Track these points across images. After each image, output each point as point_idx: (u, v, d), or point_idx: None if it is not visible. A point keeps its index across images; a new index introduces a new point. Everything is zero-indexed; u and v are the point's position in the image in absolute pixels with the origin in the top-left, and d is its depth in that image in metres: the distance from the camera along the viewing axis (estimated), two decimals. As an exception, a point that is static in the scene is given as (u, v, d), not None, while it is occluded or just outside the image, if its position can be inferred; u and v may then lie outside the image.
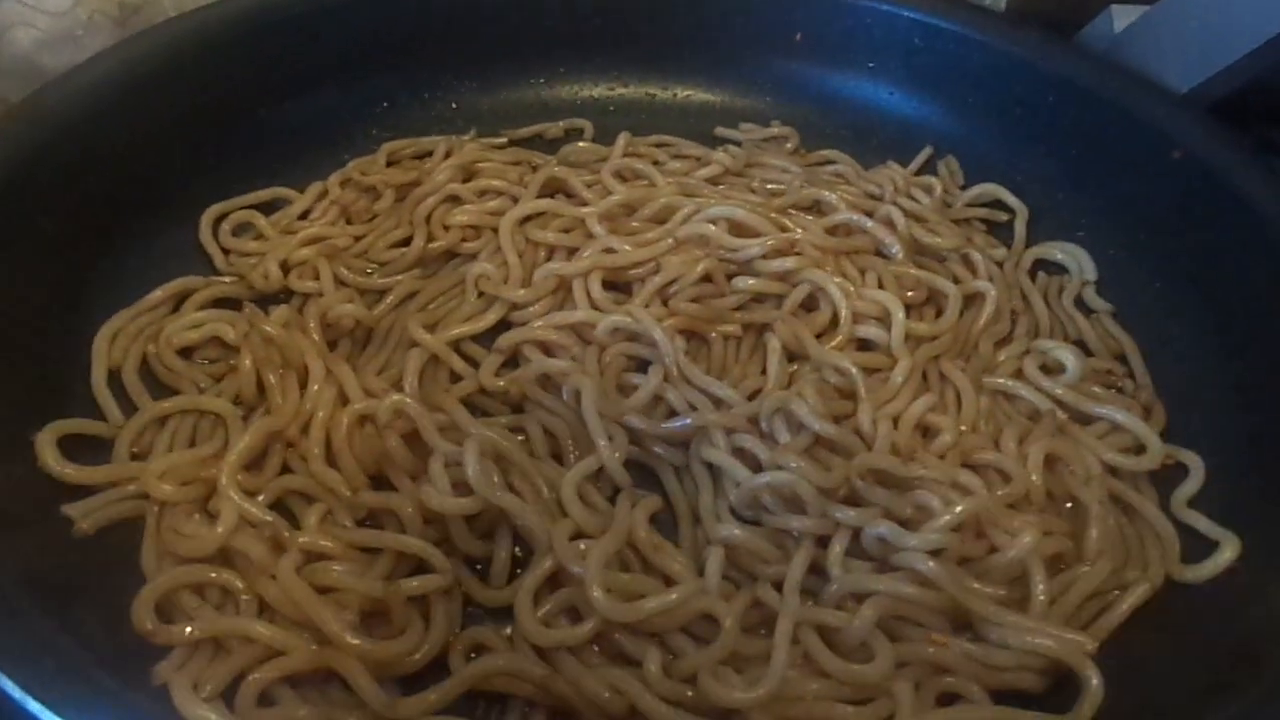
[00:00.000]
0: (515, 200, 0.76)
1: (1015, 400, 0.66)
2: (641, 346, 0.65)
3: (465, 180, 0.78)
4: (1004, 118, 0.82)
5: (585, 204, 0.75)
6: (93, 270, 0.66)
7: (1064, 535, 0.57)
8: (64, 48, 0.75)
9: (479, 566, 0.56)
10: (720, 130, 0.88)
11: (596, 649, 0.52)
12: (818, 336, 0.67)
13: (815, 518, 0.55)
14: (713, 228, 0.71)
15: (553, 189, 0.78)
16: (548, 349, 0.66)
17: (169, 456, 0.57)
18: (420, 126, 0.84)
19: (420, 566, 0.54)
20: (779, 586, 0.54)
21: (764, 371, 0.65)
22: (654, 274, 0.69)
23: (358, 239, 0.74)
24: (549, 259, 0.72)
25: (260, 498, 0.55)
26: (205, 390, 0.62)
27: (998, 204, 0.80)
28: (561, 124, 0.87)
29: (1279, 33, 0.67)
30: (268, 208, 0.76)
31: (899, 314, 0.67)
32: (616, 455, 0.59)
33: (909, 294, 0.69)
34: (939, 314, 0.70)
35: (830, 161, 0.84)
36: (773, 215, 0.72)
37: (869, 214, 0.75)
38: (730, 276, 0.70)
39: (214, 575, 0.52)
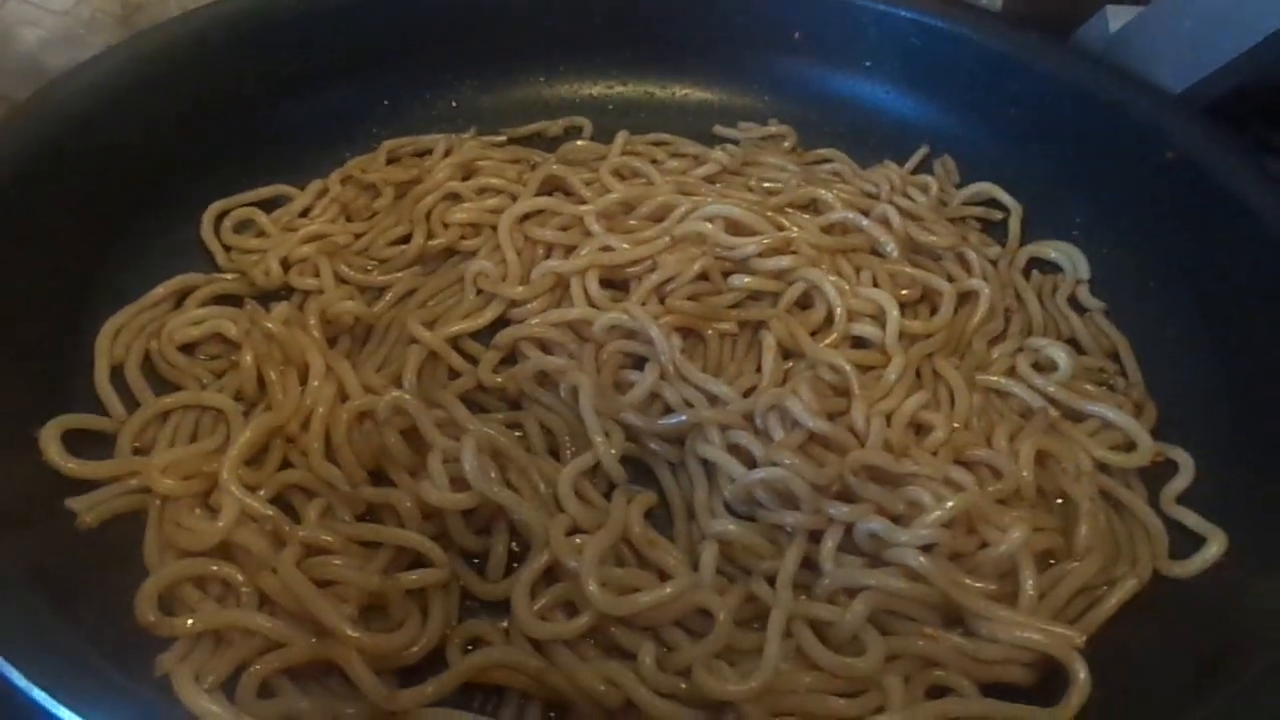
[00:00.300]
0: (514, 198, 0.77)
1: (1008, 397, 0.66)
2: (638, 344, 0.66)
3: (465, 178, 0.79)
4: (1000, 117, 0.83)
5: (583, 202, 0.76)
6: (96, 267, 0.66)
7: (1054, 531, 0.58)
8: (68, 46, 0.75)
9: (476, 561, 0.56)
10: (718, 129, 0.88)
11: (592, 642, 0.52)
12: (813, 334, 0.67)
13: (808, 513, 0.56)
14: (709, 226, 0.71)
15: (551, 187, 0.79)
16: (545, 346, 0.67)
17: (171, 451, 0.58)
18: (420, 125, 0.85)
19: (418, 560, 0.54)
20: (772, 581, 0.55)
21: (759, 369, 0.66)
22: (651, 272, 0.70)
23: (358, 236, 0.75)
24: (547, 257, 0.73)
25: (261, 492, 0.56)
26: (207, 386, 0.63)
27: (993, 203, 0.81)
28: (561, 122, 0.87)
29: (1273, 32, 0.68)
30: (269, 205, 0.77)
31: (894, 312, 0.67)
32: (613, 452, 0.60)
33: (904, 292, 0.70)
34: (933, 312, 0.70)
35: (827, 160, 0.85)
36: (769, 214, 0.73)
37: (865, 212, 0.75)
38: (726, 274, 0.70)
39: (215, 568, 0.52)
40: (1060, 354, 0.68)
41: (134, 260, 0.68)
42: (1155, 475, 0.62)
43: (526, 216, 0.75)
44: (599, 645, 0.52)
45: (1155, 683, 0.52)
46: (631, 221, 0.74)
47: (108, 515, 0.54)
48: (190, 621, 0.50)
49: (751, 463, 0.59)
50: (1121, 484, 0.62)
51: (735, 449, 0.60)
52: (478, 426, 0.58)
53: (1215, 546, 0.57)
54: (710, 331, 0.68)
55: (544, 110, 0.89)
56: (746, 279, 0.69)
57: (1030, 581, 0.54)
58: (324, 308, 0.66)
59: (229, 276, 0.70)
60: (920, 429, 0.63)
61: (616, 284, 0.71)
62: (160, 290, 0.67)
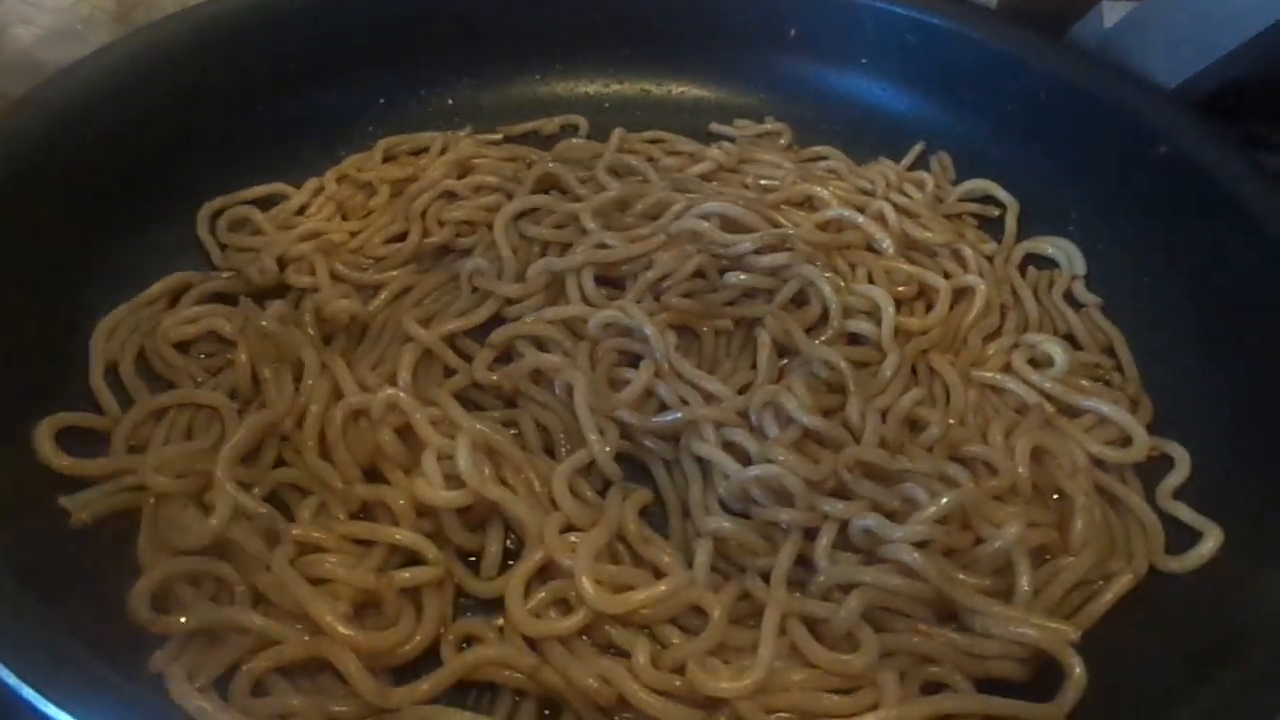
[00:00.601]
0: (510, 196, 0.77)
1: (1003, 393, 0.66)
2: (633, 341, 0.66)
3: (460, 176, 0.79)
4: (996, 114, 0.83)
5: (579, 200, 0.76)
6: (91, 265, 0.66)
7: (1049, 526, 0.57)
8: (64, 43, 0.75)
9: (471, 559, 0.56)
10: (715, 126, 0.88)
11: (586, 640, 0.52)
12: (808, 331, 0.67)
13: (803, 510, 0.56)
14: (705, 223, 0.71)
15: (547, 185, 0.79)
16: (540, 344, 0.67)
17: (165, 449, 0.58)
18: (416, 123, 0.85)
19: (412, 558, 0.54)
20: (767, 578, 0.55)
21: (754, 366, 0.66)
22: (646, 269, 0.69)
23: (353, 234, 0.75)
24: (543, 254, 0.73)
25: (255, 490, 0.56)
26: (201, 384, 0.63)
27: (989, 199, 0.81)
28: (557, 120, 0.87)
29: (1266, 28, 0.68)
30: (265, 203, 0.77)
31: (889, 308, 0.67)
32: (608, 449, 0.60)
33: (900, 289, 0.70)
34: (929, 308, 0.70)
35: (823, 157, 0.85)
36: (765, 211, 0.73)
37: (861, 209, 0.75)
38: (722, 271, 0.70)
39: (209, 566, 0.52)
40: (1056, 349, 0.68)
41: (129, 258, 0.68)
42: (1151, 470, 0.62)
43: (522, 214, 0.75)
44: (593, 643, 0.52)
45: (1150, 678, 0.52)
46: (627, 219, 0.74)
47: (101, 513, 0.54)
48: (184, 619, 0.50)
49: (746, 460, 0.59)
50: (1117, 479, 0.62)
51: (730, 446, 0.60)
52: (472, 424, 0.58)
53: (1211, 542, 0.57)
54: (705, 329, 0.67)
55: (540, 108, 0.88)
56: (742, 276, 0.69)
57: (1026, 577, 0.54)
58: (320, 306, 0.66)
59: (224, 274, 0.70)
60: (915, 425, 0.63)
61: (612, 281, 0.70)
62: (155, 288, 0.68)
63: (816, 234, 0.72)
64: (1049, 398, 0.65)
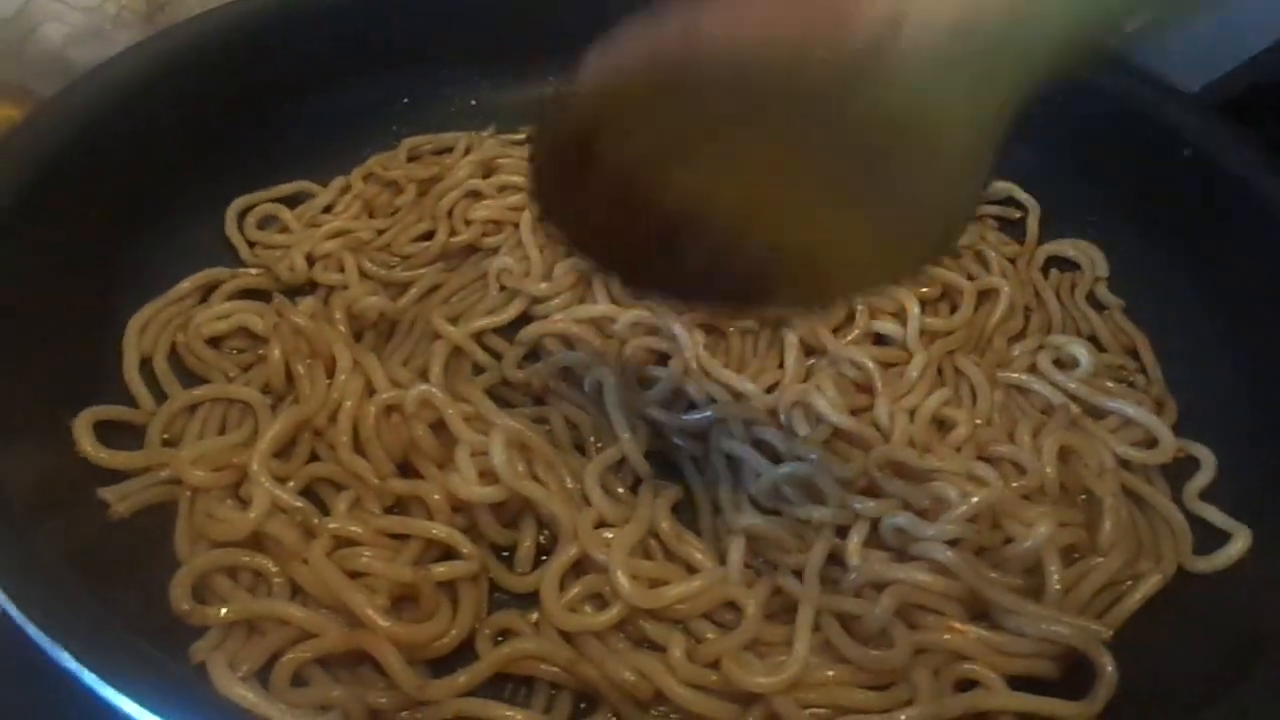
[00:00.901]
0: (536, 195, 0.77)
1: (1029, 394, 0.67)
2: (661, 340, 0.66)
3: (486, 176, 0.79)
4: (1017, 116, 0.83)
5: (605, 199, 0.76)
6: (122, 262, 0.67)
7: (1078, 526, 0.58)
8: (93, 42, 0.76)
9: (505, 554, 0.57)
10: (737, 127, 0.88)
11: (621, 635, 0.53)
12: (834, 331, 0.67)
13: (835, 508, 0.56)
14: (731, 223, 0.71)
15: (572, 185, 0.79)
16: (569, 342, 0.67)
17: (200, 443, 0.58)
18: (440, 122, 0.85)
19: (447, 553, 0.55)
20: (798, 575, 0.55)
21: (781, 365, 0.66)
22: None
23: (381, 232, 0.75)
24: (569, 254, 0.73)
25: (290, 484, 0.56)
26: (234, 379, 0.63)
27: (1010, 201, 0.81)
28: (580, 120, 0.88)
29: (1290, 33, 0.68)
30: (291, 201, 0.77)
31: (915, 309, 0.68)
32: (638, 447, 0.60)
33: (923, 290, 0.70)
34: (953, 310, 0.71)
35: (845, 159, 0.85)
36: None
37: (884, 211, 0.75)
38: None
39: (247, 559, 0.53)
40: (1081, 351, 0.68)
41: (160, 255, 0.69)
42: (1177, 471, 0.62)
43: (548, 213, 0.76)
44: (628, 637, 0.53)
45: (1179, 678, 0.52)
46: (654, 219, 0.74)
47: (139, 505, 0.55)
48: (224, 610, 0.50)
49: (776, 458, 0.59)
50: (1144, 480, 0.62)
51: (759, 444, 0.60)
52: (505, 421, 0.59)
53: (1239, 542, 0.57)
54: (732, 329, 0.68)
55: (564, 108, 0.89)
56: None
57: (1056, 576, 0.54)
58: (349, 303, 0.66)
59: (254, 271, 0.71)
60: (943, 425, 0.63)
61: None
62: (187, 284, 0.68)
63: (841, 235, 0.72)
64: (1074, 399, 0.66)
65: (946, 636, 0.52)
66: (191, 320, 0.65)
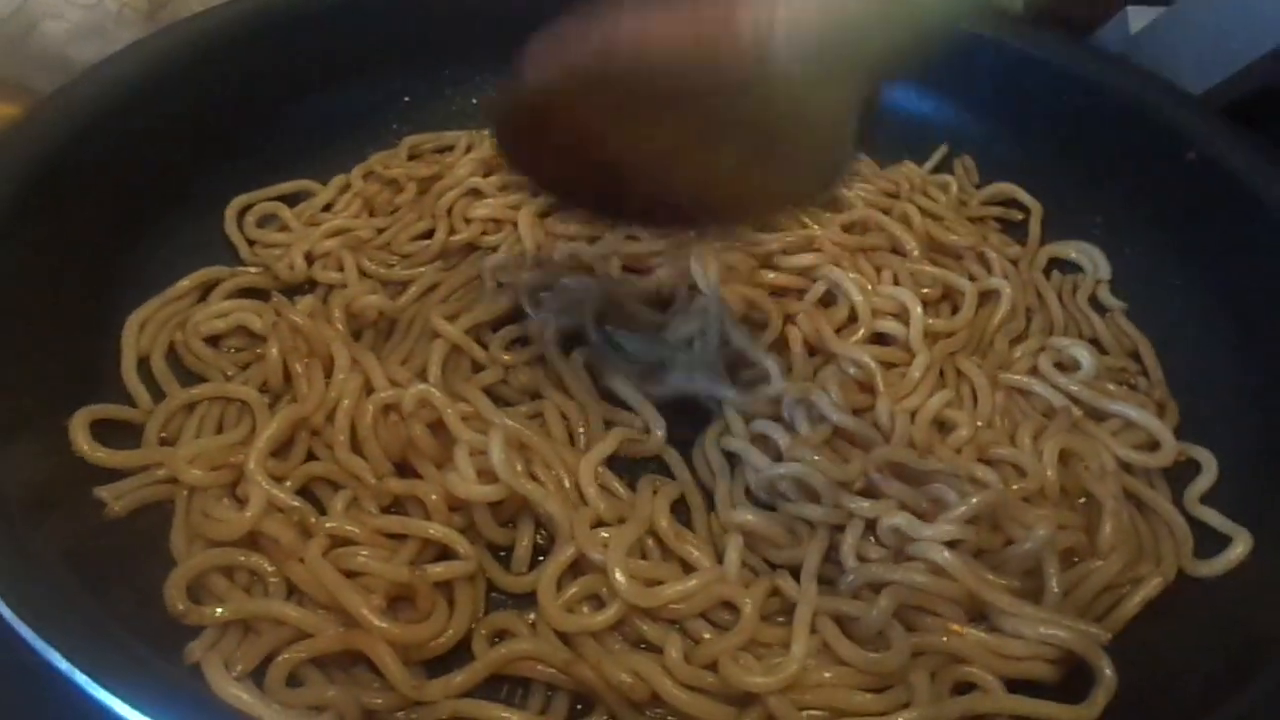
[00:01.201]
0: (535, 194, 0.77)
1: (1030, 396, 0.66)
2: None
3: (486, 174, 0.79)
4: (1019, 118, 0.83)
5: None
6: (121, 260, 0.67)
7: (1078, 529, 0.57)
8: (94, 40, 0.76)
9: (502, 554, 0.57)
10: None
11: (618, 635, 0.53)
12: (837, 331, 0.67)
13: (830, 508, 0.56)
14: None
15: (573, 184, 0.79)
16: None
17: (197, 442, 0.58)
18: (440, 121, 0.85)
19: (444, 553, 0.55)
20: (793, 573, 0.55)
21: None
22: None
23: (380, 231, 0.75)
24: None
25: (287, 483, 0.56)
26: (232, 378, 0.63)
27: (1012, 203, 0.81)
28: (580, 119, 0.87)
29: (1295, 35, 0.68)
30: (291, 199, 0.77)
31: (917, 310, 0.67)
32: (659, 434, 0.61)
33: (925, 290, 0.70)
34: (955, 311, 0.70)
35: (846, 159, 0.85)
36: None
37: (886, 211, 0.75)
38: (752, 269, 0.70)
39: (243, 558, 0.52)
40: (1083, 353, 0.68)
41: (159, 253, 0.69)
42: (1178, 475, 0.62)
43: (547, 213, 0.75)
44: (625, 638, 0.53)
45: (1179, 682, 0.52)
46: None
47: (136, 504, 0.54)
48: (219, 610, 0.50)
49: (776, 454, 0.59)
50: (1145, 483, 0.62)
51: (761, 439, 0.60)
52: (504, 420, 0.58)
53: (1240, 546, 0.57)
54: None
55: (563, 108, 0.88)
56: (771, 275, 0.69)
57: (1055, 579, 0.54)
58: (348, 301, 0.66)
59: (253, 270, 0.70)
60: (944, 427, 0.63)
61: (639, 273, 0.70)
62: (185, 283, 0.68)
63: (842, 235, 0.72)
64: (1076, 401, 0.65)
65: (945, 638, 0.52)
66: (190, 319, 0.65)
